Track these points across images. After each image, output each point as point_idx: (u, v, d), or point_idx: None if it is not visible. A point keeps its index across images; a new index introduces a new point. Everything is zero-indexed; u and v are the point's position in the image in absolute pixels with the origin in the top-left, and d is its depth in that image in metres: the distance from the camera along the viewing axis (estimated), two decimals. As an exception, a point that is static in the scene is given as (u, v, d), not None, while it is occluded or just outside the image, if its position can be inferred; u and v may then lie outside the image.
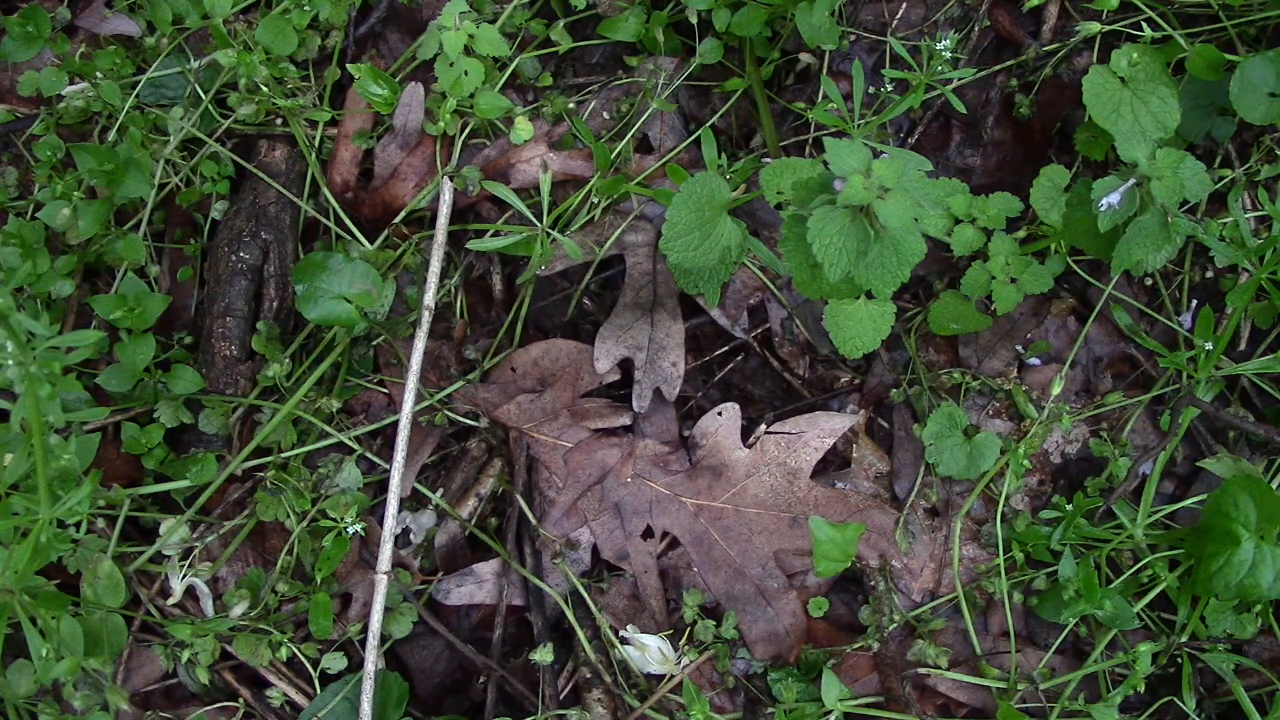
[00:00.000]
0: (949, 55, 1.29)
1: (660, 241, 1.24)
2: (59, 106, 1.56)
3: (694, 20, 1.52)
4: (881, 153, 1.00)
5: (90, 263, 1.53)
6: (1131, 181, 1.13)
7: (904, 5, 1.55)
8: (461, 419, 1.47)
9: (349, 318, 1.41)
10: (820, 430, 1.41)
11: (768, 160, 1.40)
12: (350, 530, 1.34)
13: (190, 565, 1.37)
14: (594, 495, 1.42)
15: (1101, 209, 1.14)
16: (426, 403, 1.45)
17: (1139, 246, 1.16)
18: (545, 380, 1.47)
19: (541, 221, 1.44)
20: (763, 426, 1.43)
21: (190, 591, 1.39)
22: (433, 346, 1.50)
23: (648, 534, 1.41)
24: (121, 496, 1.36)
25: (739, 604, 1.37)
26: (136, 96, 1.54)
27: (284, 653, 1.34)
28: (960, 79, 1.36)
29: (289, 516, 1.37)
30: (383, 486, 1.40)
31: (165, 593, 1.39)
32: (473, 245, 1.47)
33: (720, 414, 1.41)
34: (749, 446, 1.42)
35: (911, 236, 0.95)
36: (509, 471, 1.47)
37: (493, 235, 1.48)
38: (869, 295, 1.14)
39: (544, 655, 1.34)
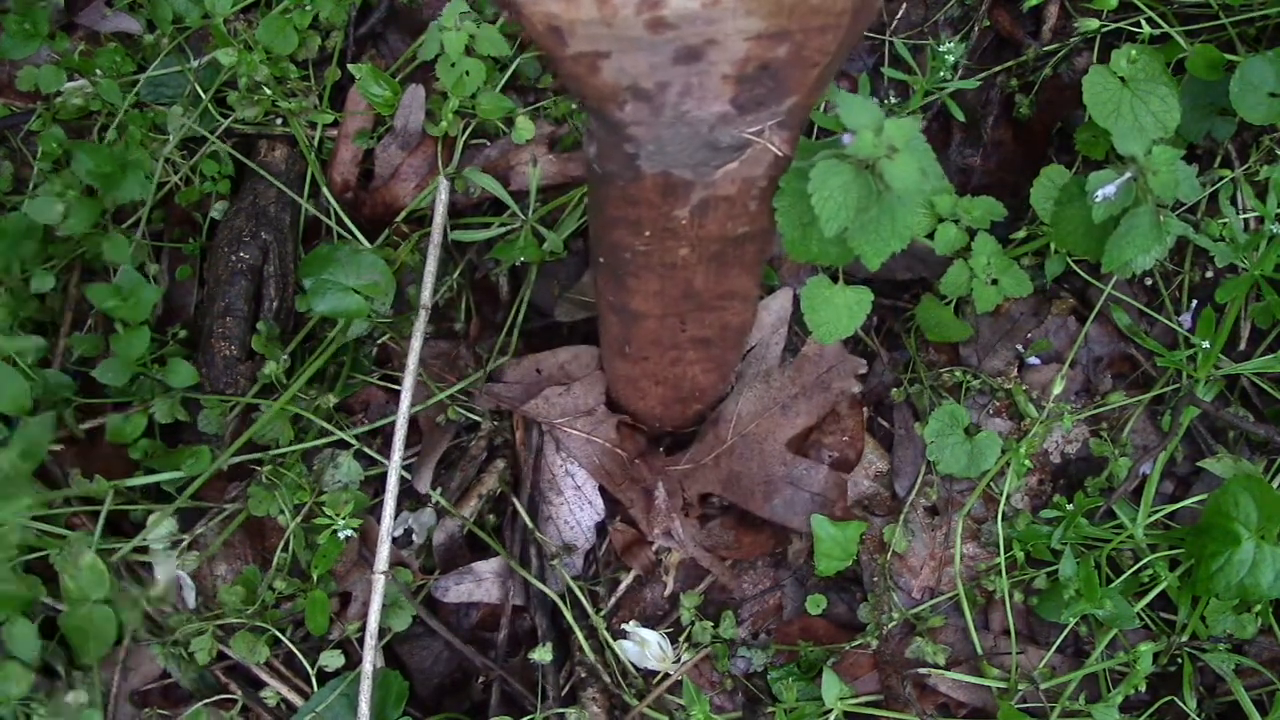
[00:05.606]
0: (952, 62, 1.29)
1: None
2: (56, 102, 1.55)
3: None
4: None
5: (89, 262, 1.53)
6: (1128, 174, 1.12)
7: (904, 5, 1.55)
8: (476, 418, 1.47)
9: (358, 309, 1.40)
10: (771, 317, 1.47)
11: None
12: (343, 534, 1.33)
13: (177, 558, 1.36)
14: (631, 478, 1.43)
15: (1097, 200, 1.13)
16: (435, 399, 1.45)
17: (1130, 246, 1.14)
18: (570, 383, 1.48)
19: (528, 215, 1.44)
20: None
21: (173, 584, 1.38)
22: (448, 347, 1.50)
23: (686, 507, 1.44)
24: (105, 489, 1.35)
25: (783, 505, 1.41)
26: (136, 95, 1.54)
27: (281, 651, 1.33)
28: (964, 87, 1.37)
29: (283, 513, 1.36)
30: (385, 484, 1.39)
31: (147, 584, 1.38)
32: (455, 235, 1.47)
33: None
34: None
35: (910, 206, 0.94)
36: (512, 472, 1.46)
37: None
38: (849, 281, 1.12)
39: (543, 655, 1.33)
